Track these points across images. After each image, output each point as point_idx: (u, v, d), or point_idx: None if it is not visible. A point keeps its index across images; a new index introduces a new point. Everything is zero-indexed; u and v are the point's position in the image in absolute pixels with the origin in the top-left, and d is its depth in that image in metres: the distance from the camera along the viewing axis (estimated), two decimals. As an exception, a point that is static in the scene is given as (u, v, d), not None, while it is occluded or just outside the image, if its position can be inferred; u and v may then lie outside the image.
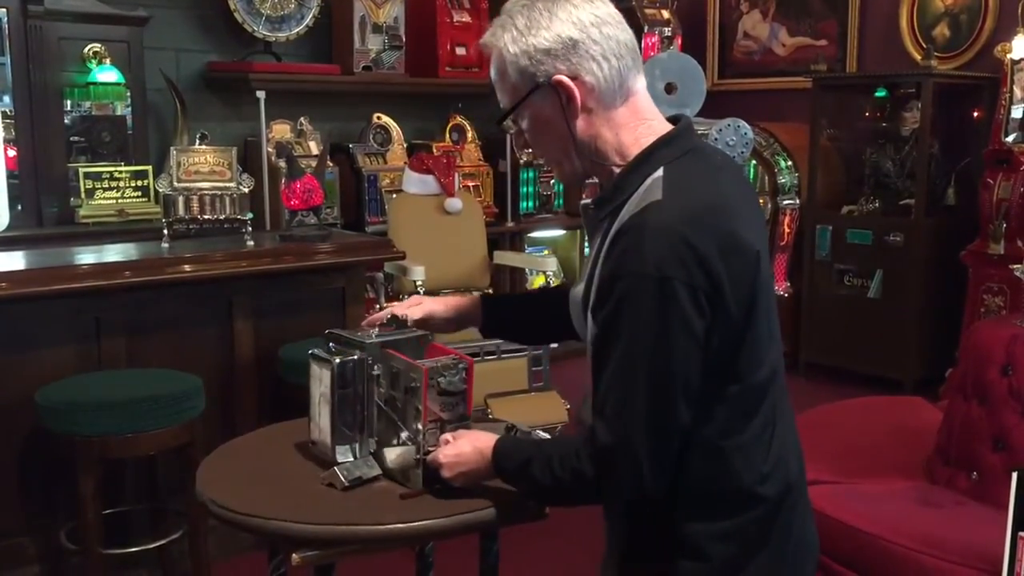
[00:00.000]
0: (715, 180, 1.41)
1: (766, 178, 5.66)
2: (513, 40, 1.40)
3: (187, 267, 3.02)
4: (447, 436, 1.61)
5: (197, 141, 3.37)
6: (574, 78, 1.39)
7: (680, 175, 1.36)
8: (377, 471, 1.70)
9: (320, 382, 1.76)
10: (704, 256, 1.28)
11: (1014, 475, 1.71)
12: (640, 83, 1.45)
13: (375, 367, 1.72)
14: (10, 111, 4.00)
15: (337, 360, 1.72)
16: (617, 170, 1.43)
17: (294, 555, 1.55)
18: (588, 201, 1.50)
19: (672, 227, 1.29)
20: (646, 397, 1.31)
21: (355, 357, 1.74)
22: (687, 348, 1.30)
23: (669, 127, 1.45)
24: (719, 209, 1.34)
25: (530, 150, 1.57)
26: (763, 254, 1.37)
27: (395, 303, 1.82)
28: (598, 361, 1.37)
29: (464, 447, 1.56)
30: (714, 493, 1.39)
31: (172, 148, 3.37)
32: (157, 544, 2.90)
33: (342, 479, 1.65)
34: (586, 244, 1.53)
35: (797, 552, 1.47)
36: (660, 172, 1.37)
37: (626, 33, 1.42)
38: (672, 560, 1.41)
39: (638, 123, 1.43)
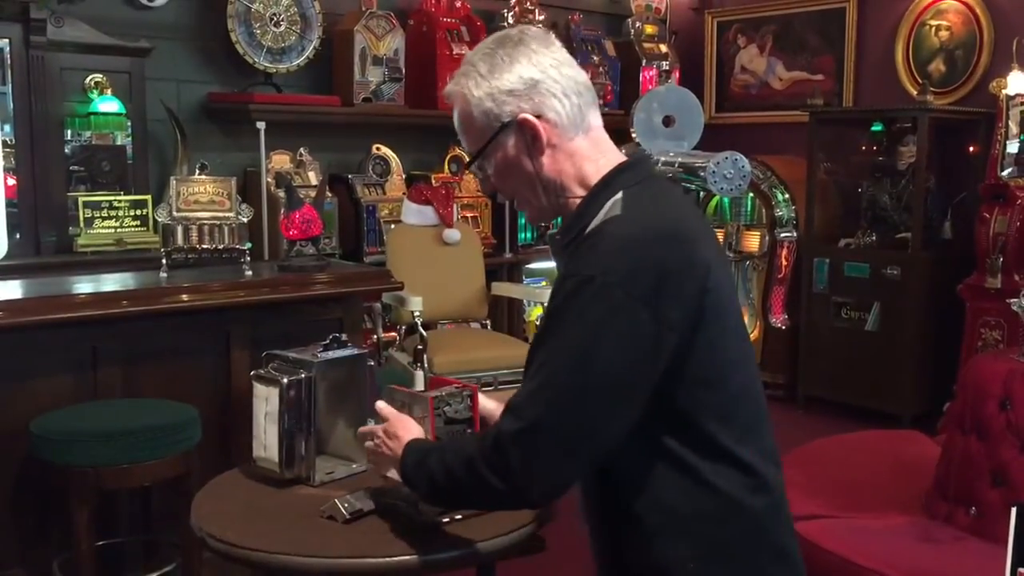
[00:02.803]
0: (670, 201, 1.48)
1: (763, 211, 5.68)
2: (476, 84, 1.45)
3: (185, 297, 3.02)
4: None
5: (197, 171, 3.38)
6: (538, 116, 1.44)
7: (638, 196, 1.43)
8: (376, 503, 1.70)
9: (266, 402, 1.81)
10: (655, 263, 1.32)
11: (1013, 511, 1.71)
12: (597, 119, 1.51)
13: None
14: (11, 140, 4.01)
15: (285, 380, 1.81)
16: (578, 201, 1.48)
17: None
18: (555, 231, 1.55)
19: (625, 237, 1.36)
20: (561, 395, 1.32)
21: (302, 376, 1.82)
22: (615, 352, 1.31)
23: (619, 158, 1.51)
24: (673, 224, 1.40)
25: (498, 194, 1.62)
26: (715, 267, 1.39)
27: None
28: (529, 357, 1.40)
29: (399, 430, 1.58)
30: (695, 510, 1.37)
31: (172, 178, 3.37)
32: (150, 576, 2.89)
33: (343, 512, 1.65)
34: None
35: (774, 564, 1.45)
36: (619, 195, 1.43)
37: (583, 74, 1.50)
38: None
39: (599, 155, 1.49)
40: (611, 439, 1.34)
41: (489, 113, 1.45)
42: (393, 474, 1.56)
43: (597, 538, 1.50)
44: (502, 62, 1.45)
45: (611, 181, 1.46)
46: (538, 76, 1.44)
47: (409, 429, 1.58)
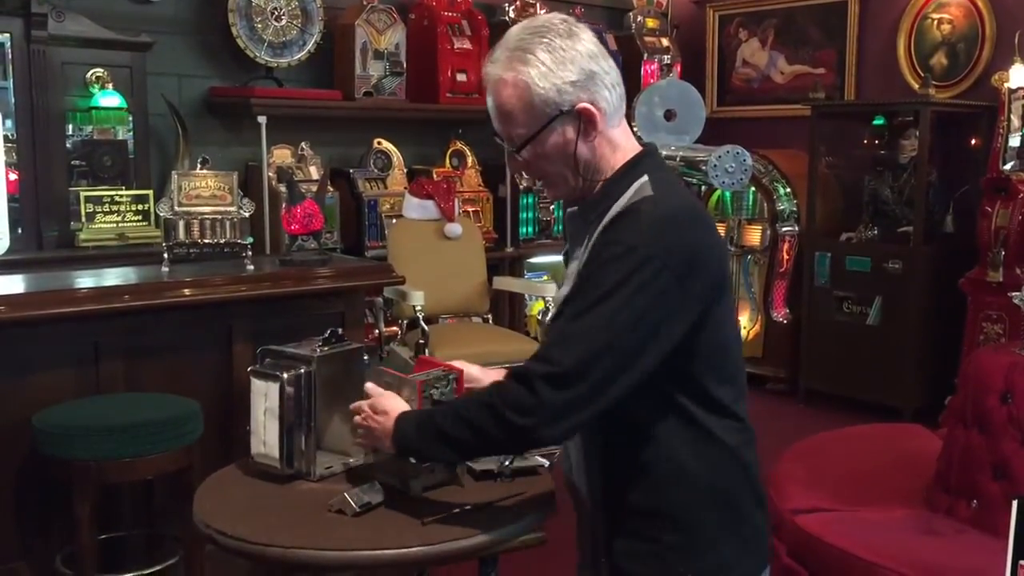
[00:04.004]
0: (683, 188, 1.63)
1: (765, 205, 5.68)
2: (542, 75, 1.50)
3: (187, 291, 3.02)
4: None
5: (198, 165, 3.38)
6: (593, 104, 1.53)
7: (664, 180, 1.56)
8: (383, 496, 1.70)
9: (265, 397, 1.81)
10: (688, 244, 1.47)
11: (1014, 503, 1.71)
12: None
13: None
14: (12, 135, 4.01)
15: (285, 375, 1.80)
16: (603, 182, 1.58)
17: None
18: (574, 208, 1.65)
19: (665, 216, 1.49)
20: (592, 348, 1.42)
21: (302, 371, 1.82)
22: (646, 318, 1.43)
23: (639, 146, 1.64)
24: (698, 210, 1.58)
25: (526, 173, 1.67)
26: (726, 251, 1.56)
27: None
28: (569, 304, 1.49)
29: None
30: (700, 460, 1.51)
31: (173, 172, 3.37)
32: (153, 570, 2.88)
33: (353, 505, 1.66)
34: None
35: (756, 509, 1.60)
36: (645, 178, 1.55)
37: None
38: (665, 531, 1.51)
39: (625, 140, 1.61)
40: (623, 393, 1.45)
41: (550, 102, 1.51)
42: (383, 446, 1.64)
43: (593, 482, 1.58)
44: (563, 52, 1.50)
45: (637, 164, 1.57)
46: (595, 68, 1.53)
47: (396, 405, 1.66)
